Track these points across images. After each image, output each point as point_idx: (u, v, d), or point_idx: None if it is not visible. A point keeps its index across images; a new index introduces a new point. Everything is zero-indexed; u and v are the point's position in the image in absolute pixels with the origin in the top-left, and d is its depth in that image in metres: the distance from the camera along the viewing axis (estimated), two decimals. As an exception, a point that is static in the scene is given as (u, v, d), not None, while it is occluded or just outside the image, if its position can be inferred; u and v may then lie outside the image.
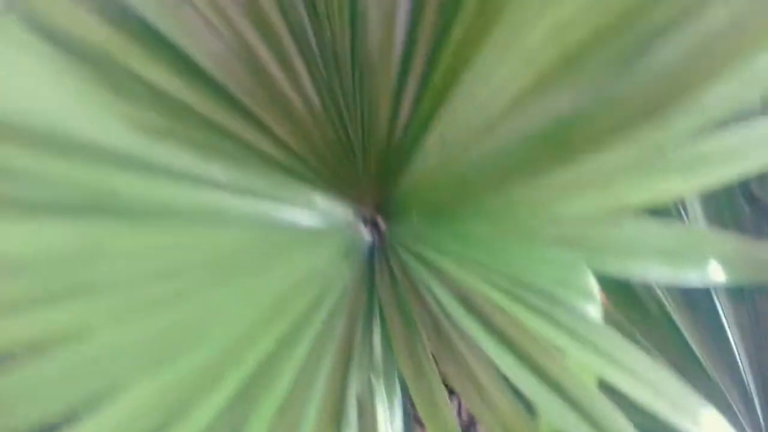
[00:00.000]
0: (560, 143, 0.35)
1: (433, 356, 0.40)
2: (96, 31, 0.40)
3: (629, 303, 0.47)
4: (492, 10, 0.37)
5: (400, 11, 0.39)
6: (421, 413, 0.39)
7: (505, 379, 0.38)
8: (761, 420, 0.47)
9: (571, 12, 0.33)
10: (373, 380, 0.41)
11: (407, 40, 0.39)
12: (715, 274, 0.41)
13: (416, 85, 0.39)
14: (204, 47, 0.41)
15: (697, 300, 0.47)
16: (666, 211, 0.46)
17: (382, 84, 0.40)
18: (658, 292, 0.47)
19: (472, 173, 0.38)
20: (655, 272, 0.41)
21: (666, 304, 0.47)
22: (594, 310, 0.39)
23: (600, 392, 0.37)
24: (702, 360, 0.47)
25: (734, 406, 0.47)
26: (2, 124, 0.33)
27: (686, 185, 0.40)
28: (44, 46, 0.39)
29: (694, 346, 0.47)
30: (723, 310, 0.47)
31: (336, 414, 0.41)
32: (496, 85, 0.36)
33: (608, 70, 0.32)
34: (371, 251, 0.42)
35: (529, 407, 0.38)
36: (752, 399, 0.47)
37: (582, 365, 0.38)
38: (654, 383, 0.38)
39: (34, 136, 0.34)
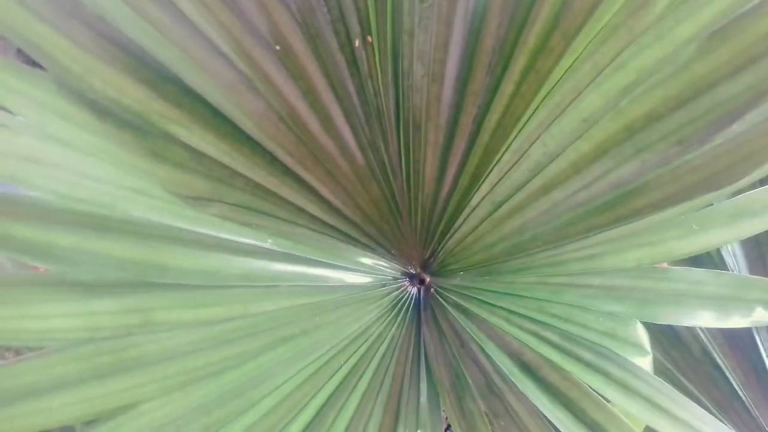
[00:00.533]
0: (618, 208, 0.35)
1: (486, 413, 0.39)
2: (131, 93, 0.40)
3: (672, 344, 0.47)
4: (539, 73, 0.37)
5: (449, 68, 0.39)
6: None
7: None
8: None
9: (634, 79, 0.33)
10: (421, 434, 0.41)
11: (455, 98, 0.39)
12: (761, 316, 0.41)
13: (464, 144, 0.39)
14: (244, 107, 0.40)
15: (739, 339, 0.47)
16: (710, 260, 0.46)
17: (428, 142, 0.40)
18: (701, 333, 0.47)
19: (525, 234, 0.38)
20: (703, 319, 0.41)
21: (708, 344, 0.47)
22: (644, 362, 0.39)
23: None
24: (744, 398, 0.47)
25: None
26: (50, 208, 0.33)
27: (733, 234, 0.40)
28: (80, 112, 0.38)
29: (736, 385, 0.47)
30: (765, 348, 0.47)
31: (386, 472, 0.41)
32: (554, 148, 0.35)
33: (677, 143, 0.32)
34: (417, 307, 0.42)
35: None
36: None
37: (632, 416, 0.38)
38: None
39: (82, 218, 0.33)
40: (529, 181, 0.37)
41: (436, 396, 0.42)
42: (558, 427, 0.38)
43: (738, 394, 0.47)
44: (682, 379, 0.45)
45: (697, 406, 0.38)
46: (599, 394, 0.38)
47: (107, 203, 0.34)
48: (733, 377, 0.47)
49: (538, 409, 0.38)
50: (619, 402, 0.38)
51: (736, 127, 0.30)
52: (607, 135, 0.34)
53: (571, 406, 0.38)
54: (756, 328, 0.47)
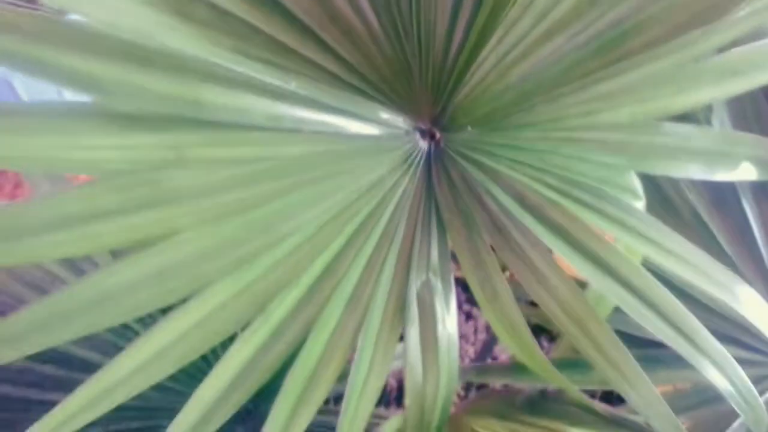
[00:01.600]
0: (615, 49, 0.38)
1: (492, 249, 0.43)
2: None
3: (663, 208, 0.50)
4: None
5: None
6: (481, 299, 0.43)
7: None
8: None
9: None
10: (432, 280, 0.45)
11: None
12: (747, 171, 0.45)
13: (472, 2, 0.42)
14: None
15: (725, 201, 0.51)
16: (694, 117, 0.49)
17: (438, 2, 0.43)
18: (690, 196, 0.50)
19: (528, 84, 0.41)
20: (692, 172, 0.44)
21: (697, 207, 0.50)
22: (639, 204, 0.43)
23: (647, 272, 0.40)
24: (731, 256, 0.51)
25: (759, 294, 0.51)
26: (95, 36, 0.36)
27: (720, 91, 0.43)
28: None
29: (723, 244, 0.51)
30: (749, 210, 0.51)
31: (399, 309, 0.44)
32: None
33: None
34: (428, 160, 0.45)
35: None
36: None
37: (629, 249, 0.41)
38: (694, 263, 0.41)
39: (123, 48, 0.36)
40: (533, 28, 0.40)
41: (446, 245, 0.45)
42: (559, 254, 0.41)
43: (725, 251, 0.51)
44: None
45: (685, 240, 0.42)
46: (599, 230, 0.41)
47: (147, 32, 0.37)
48: (720, 236, 0.50)
49: (539, 241, 0.41)
50: (615, 234, 0.41)
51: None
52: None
53: (569, 238, 0.41)
54: (741, 190, 0.51)
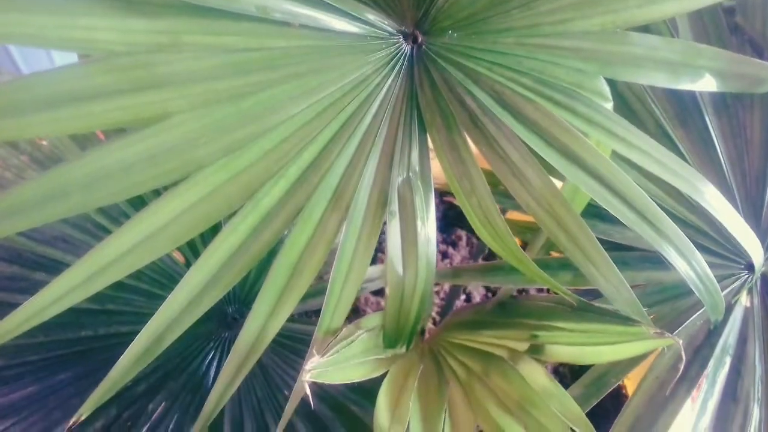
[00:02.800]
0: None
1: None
2: None
3: (628, 117, 0.53)
4: None
5: None
6: (459, 193, 0.45)
7: (534, 155, 0.44)
8: (740, 209, 0.55)
9: None
10: (412, 178, 0.47)
11: None
12: (708, 82, 0.48)
13: None
14: None
15: (688, 113, 0.54)
16: (661, 33, 0.52)
17: None
18: (654, 108, 0.53)
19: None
20: (657, 80, 0.47)
21: (662, 119, 0.53)
22: (607, 105, 0.45)
23: (614, 164, 0.43)
24: (692, 164, 0.54)
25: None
26: None
27: (681, 5, 0.46)
28: None
29: (685, 154, 0.54)
30: (710, 122, 0.54)
31: (381, 203, 0.46)
32: None
33: None
34: (411, 62, 0.47)
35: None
36: (733, 193, 0.54)
37: (599, 143, 0.44)
38: (660, 159, 0.44)
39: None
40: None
41: (426, 146, 0.48)
42: (532, 148, 0.44)
43: (687, 161, 0.54)
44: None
45: (648, 137, 0.44)
46: (572, 126, 0.44)
47: None
48: (682, 146, 0.53)
49: (515, 135, 0.44)
50: (585, 129, 0.44)
51: None
52: None
53: (543, 133, 0.44)
54: (702, 102, 0.54)
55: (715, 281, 0.43)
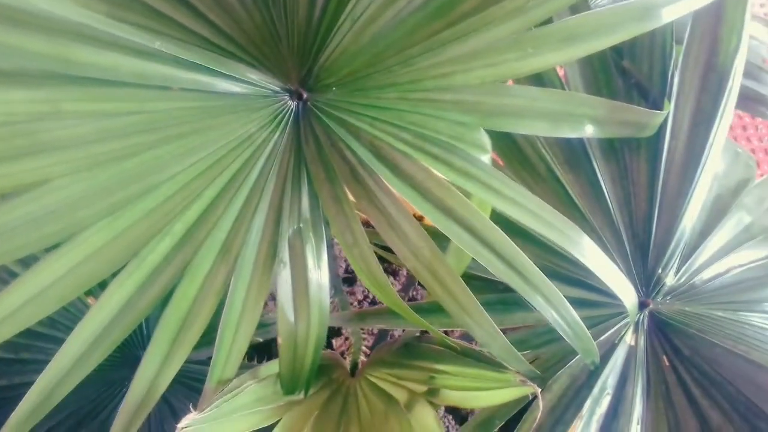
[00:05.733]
0: (449, 12, 0.43)
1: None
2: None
3: (520, 163, 0.55)
4: None
5: None
6: (343, 245, 0.46)
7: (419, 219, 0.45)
8: (627, 250, 0.56)
9: None
10: (303, 228, 0.48)
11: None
12: (588, 130, 0.49)
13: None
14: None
15: (577, 158, 0.56)
16: (550, 81, 0.54)
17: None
18: (545, 153, 0.55)
19: (379, 44, 0.46)
20: (538, 129, 0.49)
21: (551, 162, 0.55)
22: (486, 158, 0.47)
23: (487, 217, 0.45)
24: (581, 208, 0.55)
25: (606, 241, 0.56)
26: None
27: (561, 57, 0.48)
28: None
29: (574, 197, 0.55)
30: (598, 166, 0.56)
31: (271, 255, 0.48)
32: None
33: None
34: (296, 118, 0.49)
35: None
36: (621, 234, 0.56)
37: (478, 201, 0.46)
38: (541, 216, 0.46)
39: (3, 11, 0.39)
40: (379, -5, 0.44)
41: (316, 196, 0.49)
42: (408, 201, 0.45)
43: (576, 203, 0.55)
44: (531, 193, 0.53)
45: (526, 190, 0.46)
46: (450, 183, 0.46)
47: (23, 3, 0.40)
48: (572, 190, 0.55)
49: (392, 191, 0.46)
50: (459, 183, 0.45)
51: None
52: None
53: (418, 187, 0.45)
54: (590, 147, 0.56)
55: (584, 327, 0.45)
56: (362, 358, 0.70)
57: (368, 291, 1.08)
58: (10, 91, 0.41)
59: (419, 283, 0.99)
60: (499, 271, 0.44)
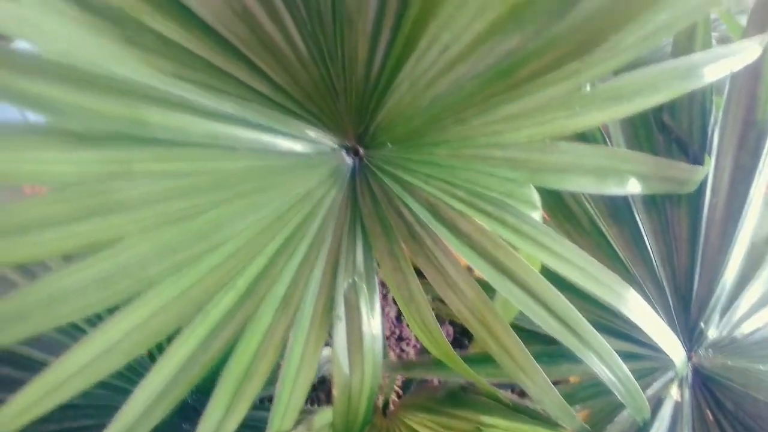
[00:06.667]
0: (508, 77, 0.44)
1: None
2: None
3: (565, 217, 0.56)
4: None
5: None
6: (399, 300, 0.48)
7: (468, 270, 0.47)
8: (670, 303, 0.58)
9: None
10: (357, 281, 0.50)
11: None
12: (633, 186, 0.51)
13: (389, 34, 0.47)
14: (209, 5, 0.48)
15: (620, 212, 0.57)
16: (593, 136, 0.55)
17: (359, 33, 0.48)
18: (589, 207, 0.56)
19: (437, 106, 0.47)
20: (585, 186, 0.50)
21: (595, 216, 0.56)
22: (536, 215, 0.49)
23: (541, 275, 0.46)
24: (625, 261, 0.57)
25: (649, 294, 0.57)
26: (47, 62, 0.40)
27: (607, 115, 0.49)
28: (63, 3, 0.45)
29: (618, 251, 0.57)
30: (641, 221, 0.57)
31: (327, 309, 0.49)
32: (457, 32, 0.44)
33: (546, 18, 0.41)
34: (353, 174, 0.50)
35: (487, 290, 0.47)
36: (664, 289, 0.57)
37: (528, 256, 0.47)
38: (589, 272, 0.47)
39: (75, 74, 0.41)
40: (439, 59, 0.45)
41: (370, 251, 0.50)
42: (466, 260, 0.47)
43: (619, 256, 0.57)
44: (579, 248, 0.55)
45: (575, 246, 0.47)
46: (502, 239, 0.47)
47: (99, 68, 0.41)
48: (616, 243, 0.57)
49: (449, 249, 0.47)
50: (516, 243, 0.47)
51: (587, 4, 0.39)
52: (496, 17, 0.43)
53: (475, 246, 0.47)
54: (633, 202, 0.57)
55: (636, 384, 0.46)
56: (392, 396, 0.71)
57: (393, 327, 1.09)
58: (81, 152, 0.43)
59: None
60: (553, 329, 0.46)
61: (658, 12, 0.40)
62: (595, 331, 0.45)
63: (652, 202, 0.57)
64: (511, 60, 0.43)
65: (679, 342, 0.49)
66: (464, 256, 0.47)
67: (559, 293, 0.45)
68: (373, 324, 0.50)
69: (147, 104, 0.43)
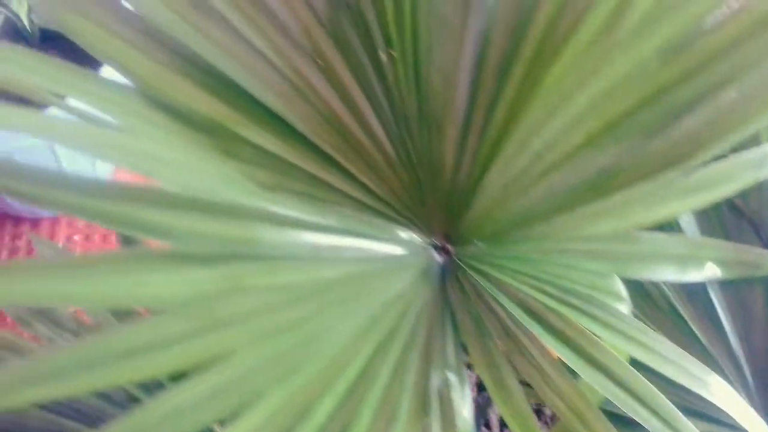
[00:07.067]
0: (600, 188, 0.46)
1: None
2: (203, 102, 0.48)
3: (643, 300, 0.58)
4: (535, 80, 0.47)
5: (461, 78, 0.49)
6: (496, 398, 0.49)
7: (563, 364, 0.48)
8: (750, 384, 0.59)
9: (611, 84, 0.43)
10: (449, 376, 0.51)
11: (468, 102, 0.49)
12: (712, 272, 0.52)
13: (477, 138, 0.49)
14: (296, 111, 0.50)
15: (697, 294, 0.58)
16: (668, 223, 0.57)
17: (447, 137, 0.50)
18: (665, 289, 0.58)
19: (526, 211, 0.49)
20: (667, 274, 0.51)
21: (672, 298, 0.58)
22: (623, 307, 0.50)
23: (632, 368, 0.47)
24: (703, 341, 0.58)
25: (728, 375, 0.58)
26: (172, 196, 0.41)
27: (686, 206, 0.51)
28: (163, 118, 0.47)
29: (695, 331, 0.58)
30: (717, 300, 0.59)
31: (422, 405, 0.50)
32: (549, 140, 0.46)
33: (645, 135, 0.42)
34: (442, 271, 0.52)
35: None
36: (743, 368, 0.58)
37: (618, 349, 0.48)
38: (671, 359, 0.49)
39: (194, 203, 0.42)
40: (531, 167, 0.47)
41: (459, 343, 0.52)
42: (563, 360, 0.48)
43: (698, 337, 0.58)
44: (653, 327, 0.56)
45: (665, 339, 0.49)
46: (593, 334, 0.48)
47: (210, 189, 0.43)
48: (693, 323, 0.58)
49: (544, 346, 0.48)
50: (605, 337, 0.48)
51: (687, 121, 0.41)
52: (592, 129, 0.44)
53: (570, 343, 0.48)
54: (710, 284, 0.59)
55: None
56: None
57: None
58: (197, 272, 0.44)
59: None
60: (641, 417, 0.47)
61: (759, 122, 0.42)
62: (685, 419, 0.47)
63: (727, 282, 0.58)
64: (606, 174, 0.45)
65: (764, 422, 0.50)
66: (561, 354, 0.48)
67: (647, 383, 0.47)
68: (465, 415, 0.51)
69: (259, 224, 0.44)
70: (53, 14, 0.48)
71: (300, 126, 0.49)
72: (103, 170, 1.34)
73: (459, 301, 0.51)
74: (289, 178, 0.48)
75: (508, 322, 0.49)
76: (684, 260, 0.52)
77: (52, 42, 1.28)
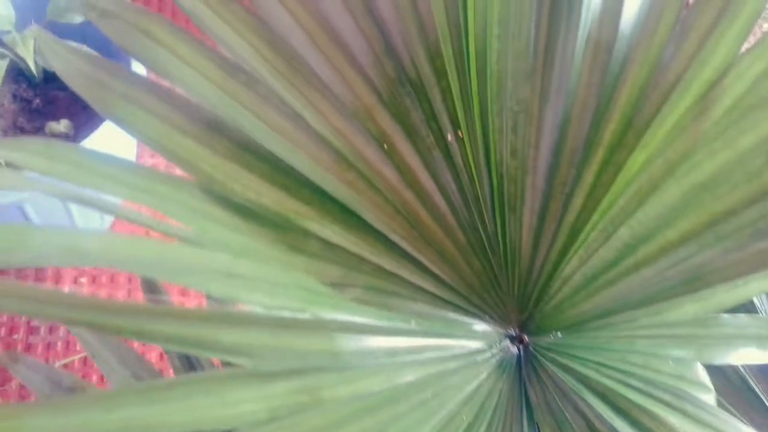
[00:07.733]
0: (698, 282, 0.43)
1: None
2: (269, 195, 0.46)
3: (715, 376, 0.56)
4: (617, 165, 0.45)
5: (540, 163, 0.47)
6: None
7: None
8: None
9: (707, 179, 0.41)
10: (527, 472, 0.49)
11: (545, 187, 0.47)
12: (793, 352, 0.50)
13: (554, 225, 0.47)
14: (365, 202, 0.47)
15: (765, 367, 0.57)
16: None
17: (522, 224, 0.47)
18: (743, 371, 0.56)
19: (614, 301, 0.46)
20: (750, 356, 0.50)
21: (745, 374, 0.56)
22: (710, 398, 0.48)
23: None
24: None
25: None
26: (251, 315, 0.39)
27: (765, 285, 0.49)
28: (226, 214, 0.44)
29: (768, 405, 0.56)
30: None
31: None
32: (641, 232, 0.44)
33: (751, 233, 0.40)
34: (519, 363, 0.49)
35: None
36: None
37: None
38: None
39: (270, 320, 0.40)
40: (621, 259, 0.45)
41: (536, 437, 0.49)
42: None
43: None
44: (725, 403, 0.54)
45: (740, 423, 0.47)
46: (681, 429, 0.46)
47: (289, 305, 0.40)
48: (766, 398, 0.56)
49: (633, 445, 0.46)
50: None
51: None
52: (691, 225, 0.42)
53: (659, 441, 0.46)
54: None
55: None
56: None
57: None
58: (273, 386, 0.41)
59: None
60: None
61: None
62: None
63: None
64: (705, 270, 0.43)
65: None
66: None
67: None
68: None
69: (338, 334, 0.42)
70: (104, 107, 0.45)
71: (369, 217, 0.47)
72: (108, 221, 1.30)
73: (538, 395, 0.49)
74: (357, 271, 0.45)
75: (594, 420, 0.47)
76: (764, 341, 0.50)
77: (55, 83, 1.24)
